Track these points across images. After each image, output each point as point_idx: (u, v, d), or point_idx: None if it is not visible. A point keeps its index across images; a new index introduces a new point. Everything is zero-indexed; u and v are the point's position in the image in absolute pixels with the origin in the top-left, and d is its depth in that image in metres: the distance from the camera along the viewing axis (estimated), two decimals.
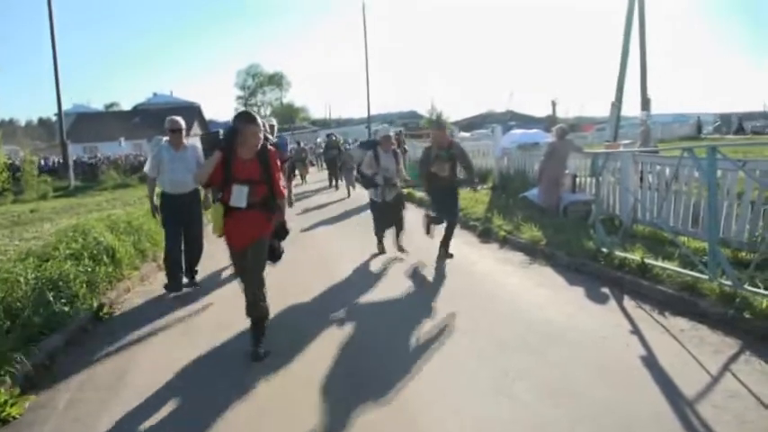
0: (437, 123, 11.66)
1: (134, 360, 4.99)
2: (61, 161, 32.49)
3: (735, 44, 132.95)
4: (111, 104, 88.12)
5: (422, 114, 65.48)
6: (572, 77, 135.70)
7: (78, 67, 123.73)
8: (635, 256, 6.63)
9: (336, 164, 21.30)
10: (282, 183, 5.00)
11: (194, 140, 6.62)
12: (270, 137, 5.38)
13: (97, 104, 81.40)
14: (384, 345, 5.06)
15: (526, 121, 63.12)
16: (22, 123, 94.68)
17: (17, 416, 3.97)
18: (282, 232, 5.21)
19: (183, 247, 7.02)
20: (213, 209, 4.94)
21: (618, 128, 17.06)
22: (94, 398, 4.24)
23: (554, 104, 56.03)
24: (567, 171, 11.01)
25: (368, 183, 8.47)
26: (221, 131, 5.02)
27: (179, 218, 6.89)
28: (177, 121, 6.90)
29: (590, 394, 3.92)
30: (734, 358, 4.38)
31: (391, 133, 9.19)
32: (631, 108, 16.93)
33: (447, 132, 8.54)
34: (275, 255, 5.20)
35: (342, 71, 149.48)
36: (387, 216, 8.50)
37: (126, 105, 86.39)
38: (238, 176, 4.72)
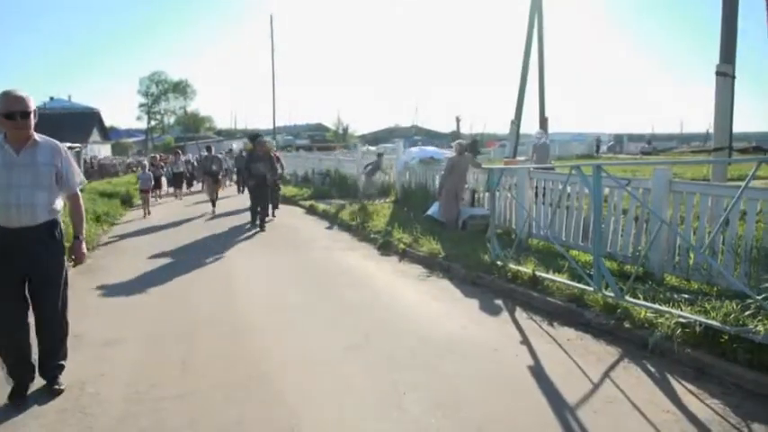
0: None
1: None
2: None
3: (634, 67, 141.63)
4: None
5: (328, 127, 65.75)
6: (476, 94, 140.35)
7: None
8: (527, 269, 6.82)
9: (267, 188, 13.48)
10: None
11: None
12: None
13: None
14: (273, 357, 4.92)
15: (431, 136, 64.41)
16: None
17: None
18: None
19: (30, 326, 4.20)
20: None
21: (517, 145, 17.68)
22: None
23: (458, 120, 57.26)
24: (466, 186, 11.28)
25: None
26: None
27: (19, 273, 4.02)
28: (19, 99, 3.91)
29: (478, 405, 3.96)
30: (613, 366, 4.57)
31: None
32: (532, 126, 17.57)
33: None
34: None
35: (248, 81, 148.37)
36: None
37: None
38: None
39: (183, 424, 3.77)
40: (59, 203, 4.24)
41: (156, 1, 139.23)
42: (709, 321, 4.60)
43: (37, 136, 4.09)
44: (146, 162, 23.30)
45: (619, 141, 62.22)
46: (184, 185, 24.09)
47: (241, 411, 3.92)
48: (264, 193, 13.29)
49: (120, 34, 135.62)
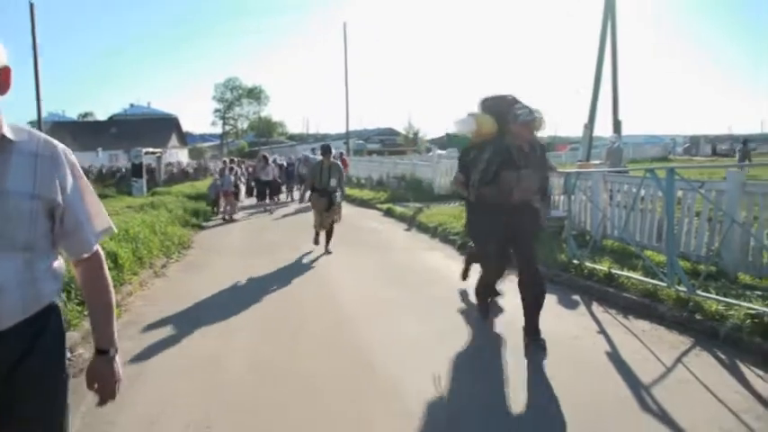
0: None
1: (148, 357, 5.41)
2: None
3: (707, 70, 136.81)
4: (86, 114, 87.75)
5: (399, 131, 66.29)
6: (547, 97, 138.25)
7: (51, 76, 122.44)
8: (603, 267, 7.24)
9: (537, 225, 5.64)
10: None
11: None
12: None
13: (71, 114, 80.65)
14: (374, 340, 5.56)
15: None
16: None
17: None
18: None
19: None
20: None
21: (590, 148, 17.90)
22: None
23: None
24: None
25: None
26: None
27: None
28: None
29: (562, 382, 4.48)
30: (686, 353, 5.00)
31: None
32: (605, 129, 17.75)
33: None
34: None
35: (320, 87, 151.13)
36: None
37: (101, 116, 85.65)
38: None
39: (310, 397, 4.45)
40: (57, 276, 1.98)
41: (230, 9, 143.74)
42: None
43: (9, 129, 1.80)
44: (221, 165, 20.17)
45: (695, 143, 59.95)
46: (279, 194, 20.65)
47: (350, 384, 4.59)
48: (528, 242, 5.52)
49: (195, 41, 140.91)
